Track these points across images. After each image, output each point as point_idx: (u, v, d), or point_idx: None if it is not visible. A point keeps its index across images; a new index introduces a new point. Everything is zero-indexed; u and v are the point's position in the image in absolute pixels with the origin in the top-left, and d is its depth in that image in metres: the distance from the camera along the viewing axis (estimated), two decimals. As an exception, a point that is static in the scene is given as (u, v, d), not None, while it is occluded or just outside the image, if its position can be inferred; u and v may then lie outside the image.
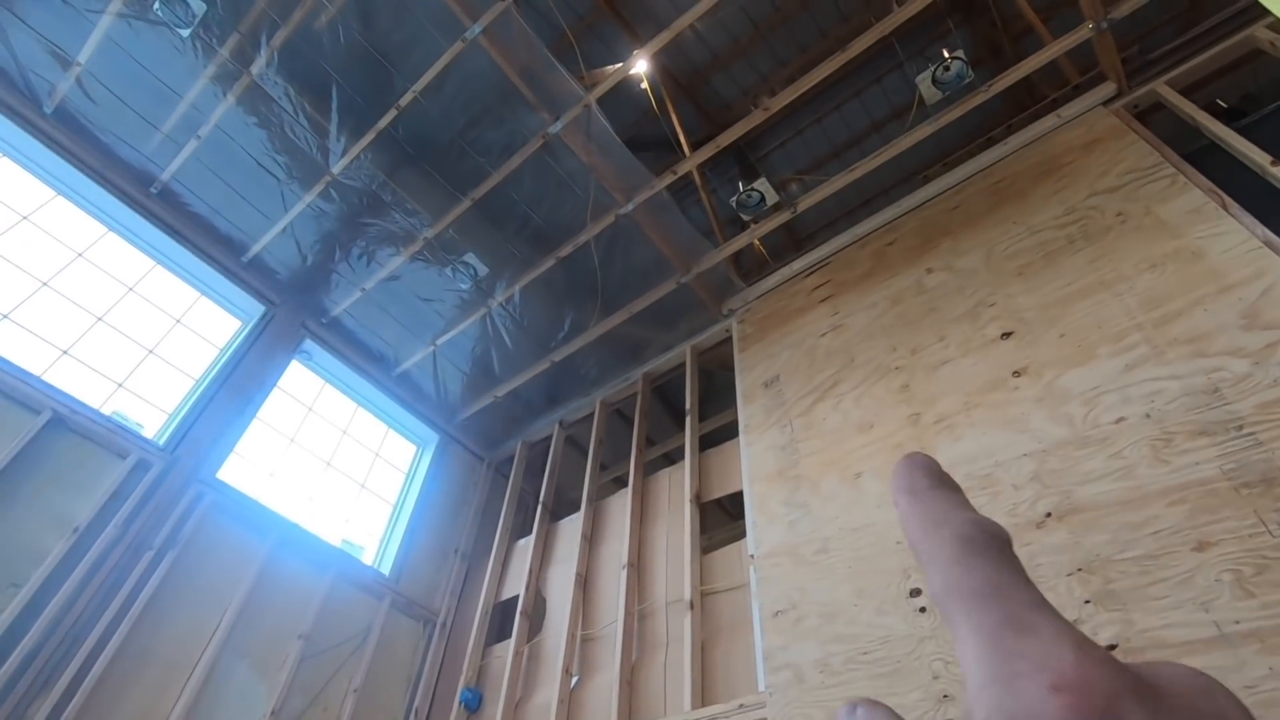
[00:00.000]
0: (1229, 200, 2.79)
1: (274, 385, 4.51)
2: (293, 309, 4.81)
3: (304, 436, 4.67)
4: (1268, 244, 2.53)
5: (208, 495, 3.83)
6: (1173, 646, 1.98)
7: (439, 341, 5.01)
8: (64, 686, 2.97)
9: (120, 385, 3.89)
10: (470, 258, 4.49)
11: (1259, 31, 3.30)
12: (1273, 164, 2.79)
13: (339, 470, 4.77)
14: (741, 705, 2.73)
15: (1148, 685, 0.18)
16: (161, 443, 3.80)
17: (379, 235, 4.52)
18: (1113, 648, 2.07)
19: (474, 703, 3.93)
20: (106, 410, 3.70)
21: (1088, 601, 2.19)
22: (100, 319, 3.94)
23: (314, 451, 4.68)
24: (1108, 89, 3.63)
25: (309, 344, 4.87)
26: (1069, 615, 2.19)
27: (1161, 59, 3.73)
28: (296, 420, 4.69)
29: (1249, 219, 2.66)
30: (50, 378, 3.56)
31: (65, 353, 3.73)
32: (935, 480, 0.24)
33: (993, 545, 0.22)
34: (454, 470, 5.43)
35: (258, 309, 4.67)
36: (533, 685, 3.78)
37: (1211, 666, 1.88)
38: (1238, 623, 1.90)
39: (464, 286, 4.64)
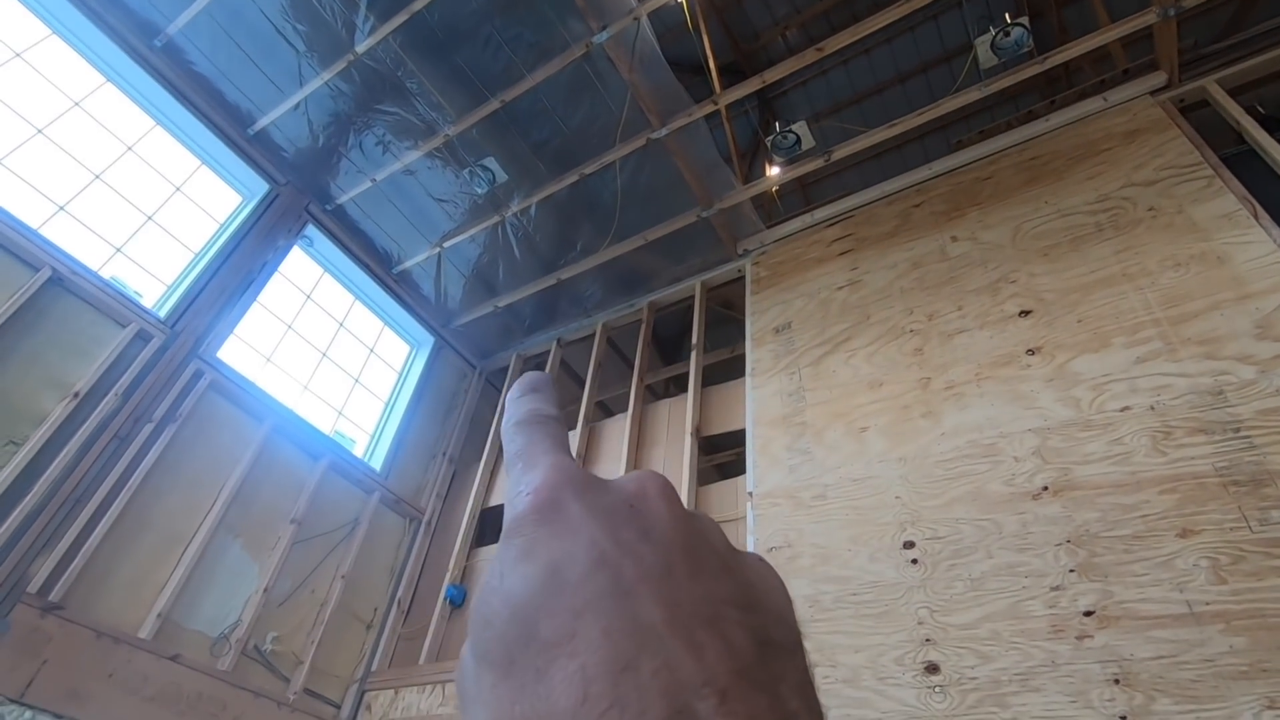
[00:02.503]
0: (1260, 210, 2.87)
1: (275, 269, 4.39)
2: (297, 191, 4.62)
3: (301, 325, 4.59)
4: (1291, 259, 2.64)
5: (207, 374, 3.77)
6: (1144, 618, 2.19)
7: (445, 244, 4.91)
8: (65, 548, 2.99)
9: (119, 250, 3.73)
10: (491, 162, 4.35)
11: (1317, 42, 3.31)
12: (1308, 180, 2.88)
13: (334, 362, 4.73)
14: (730, 628, 2.91)
15: (590, 481, 0.24)
16: (162, 315, 3.70)
17: (398, 125, 4.32)
18: (1089, 614, 2.27)
19: (459, 599, 4.10)
20: (105, 275, 3.57)
21: (1072, 570, 2.38)
22: (98, 176, 3.73)
23: (311, 341, 4.61)
24: (1157, 79, 3.62)
25: (311, 230, 4.71)
26: (1051, 580, 2.40)
27: (1213, 55, 3.72)
28: (294, 308, 4.59)
29: (1277, 231, 2.76)
30: (47, 234, 3.39)
31: (62, 208, 3.54)
32: (525, 390, 0.31)
33: (535, 420, 0.28)
34: (446, 375, 5.44)
35: (261, 186, 4.48)
36: (519, 589, 3.95)
37: (1178, 640, 2.10)
38: (1208, 604, 2.11)
39: (480, 191, 4.51)
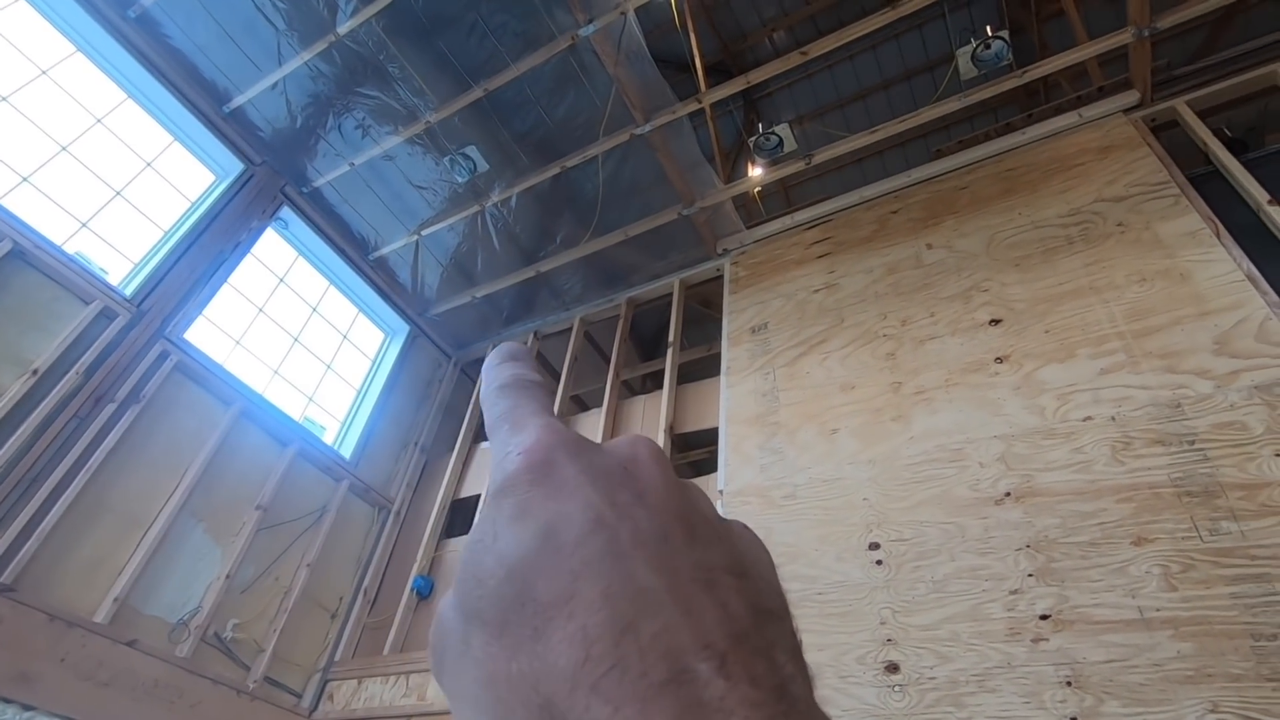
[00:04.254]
0: (1222, 229, 2.96)
1: (248, 250, 4.31)
2: (273, 172, 4.54)
3: (273, 308, 4.51)
4: (1250, 278, 2.73)
5: (174, 354, 3.69)
6: (1098, 623, 2.25)
7: (424, 232, 4.85)
8: (19, 529, 2.91)
9: (84, 225, 3.64)
10: (472, 151, 4.31)
11: (1282, 69, 3.41)
12: (1269, 202, 2.97)
13: (306, 348, 4.66)
14: (697, 624, 2.93)
15: (583, 443, 0.25)
16: (128, 293, 3.61)
17: (378, 110, 4.26)
18: (1045, 618, 2.33)
19: (426, 590, 4.08)
20: (69, 250, 3.47)
21: (1030, 575, 2.44)
22: (65, 148, 3.63)
23: (282, 325, 4.54)
24: (1130, 97, 3.71)
25: (286, 212, 4.63)
26: (1010, 584, 2.45)
27: (1185, 77, 3.82)
28: (266, 290, 4.51)
29: (1237, 251, 2.84)
30: (9, 205, 3.29)
31: (26, 179, 3.44)
32: (504, 358, 0.31)
33: (518, 384, 0.29)
34: (420, 364, 5.39)
35: (236, 166, 4.39)
36: (487, 581, 3.93)
37: (1129, 644, 2.16)
38: (1158, 610, 2.17)
39: (460, 180, 4.47)
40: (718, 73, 7.22)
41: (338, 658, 3.99)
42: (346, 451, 4.59)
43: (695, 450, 5.84)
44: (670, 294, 4.76)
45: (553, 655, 0.19)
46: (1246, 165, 3.20)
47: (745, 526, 0.26)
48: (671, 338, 4.46)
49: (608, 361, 4.68)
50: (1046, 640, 2.29)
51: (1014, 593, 2.43)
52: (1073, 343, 2.93)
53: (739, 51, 7.51)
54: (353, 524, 4.48)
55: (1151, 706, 2.06)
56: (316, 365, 4.74)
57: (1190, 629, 2.11)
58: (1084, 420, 2.68)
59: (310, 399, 4.63)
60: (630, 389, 6.17)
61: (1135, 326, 2.83)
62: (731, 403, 3.69)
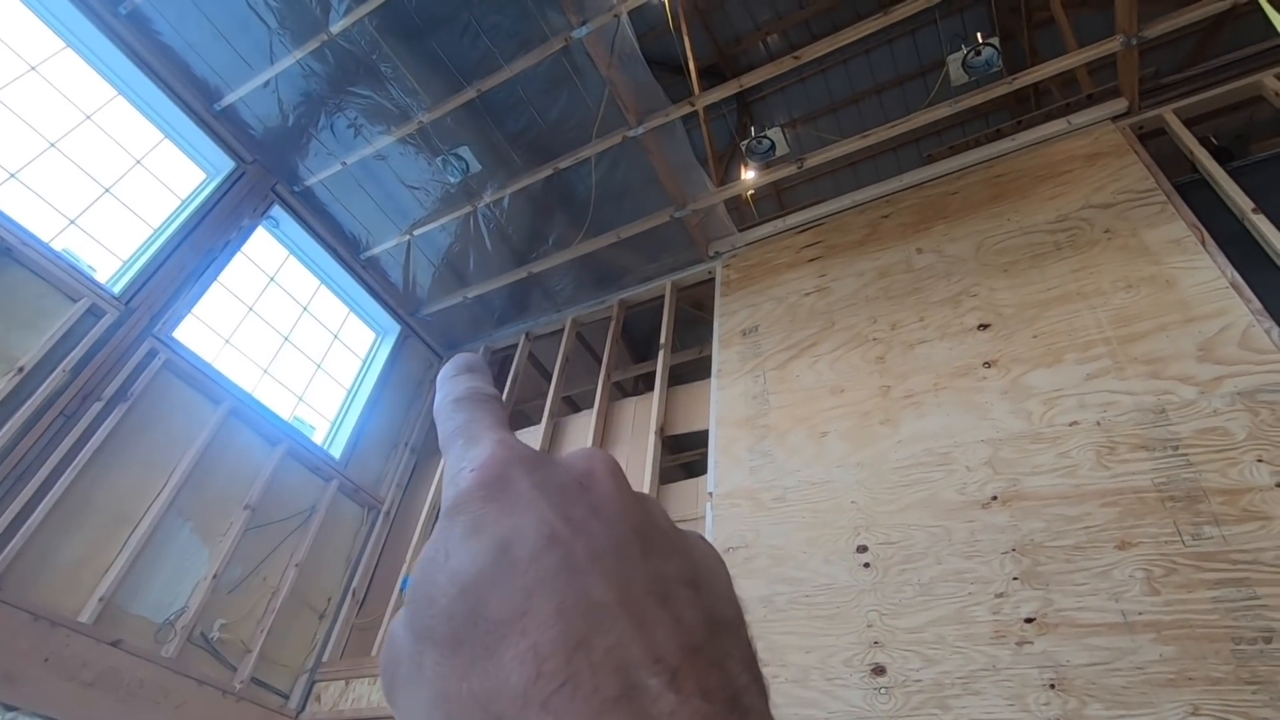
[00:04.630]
0: (1207, 237, 2.99)
1: (238, 249, 4.29)
2: (264, 170, 4.52)
3: (263, 307, 4.49)
4: (1234, 285, 2.76)
5: (162, 353, 3.67)
6: (1081, 626, 2.27)
7: (416, 232, 4.85)
8: (3, 527, 2.89)
9: (72, 222, 3.61)
10: (465, 151, 4.31)
11: (1268, 79, 3.45)
12: (1253, 211, 3.00)
13: (296, 347, 4.64)
14: (685, 626, 2.94)
15: (538, 458, 0.25)
16: (116, 291, 3.59)
17: (370, 109, 4.25)
18: (1030, 620, 2.34)
19: (415, 591, 4.06)
20: (57, 247, 3.45)
21: (1015, 578, 2.45)
22: (53, 144, 3.61)
23: (272, 324, 4.52)
24: (1119, 105, 3.74)
25: (277, 210, 4.62)
26: (996, 588, 2.47)
27: (1172, 85, 3.86)
28: (256, 289, 4.49)
29: (1222, 259, 2.87)
30: (-4, 202, 3.27)
31: (13, 175, 3.42)
32: (460, 369, 0.31)
33: (474, 399, 0.29)
34: (411, 364, 5.37)
35: (227, 164, 4.37)
36: (476, 582, 3.93)
37: (1112, 648, 2.18)
38: (1141, 614, 2.20)
39: (452, 180, 4.47)
40: (711, 76, 7.24)
41: (325, 658, 3.97)
42: (336, 451, 4.58)
43: (686, 452, 5.85)
44: (662, 296, 4.76)
45: (504, 673, 0.18)
46: (1232, 173, 3.23)
47: (701, 538, 0.25)
48: (663, 340, 4.47)
49: (600, 363, 4.68)
50: (1031, 643, 2.31)
51: (999, 596, 2.45)
52: (1059, 348, 2.95)
53: (733, 55, 7.53)
54: (342, 524, 4.47)
55: (1133, 709, 2.07)
56: (307, 365, 4.73)
57: (1172, 632, 2.13)
58: (1070, 425, 2.71)
59: (300, 398, 4.61)
60: (622, 390, 6.18)
61: (1121, 332, 2.86)
62: (722, 405, 3.70)
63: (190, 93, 4.18)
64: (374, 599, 4.25)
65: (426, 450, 5.08)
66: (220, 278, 4.17)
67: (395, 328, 5.34)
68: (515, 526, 0.22)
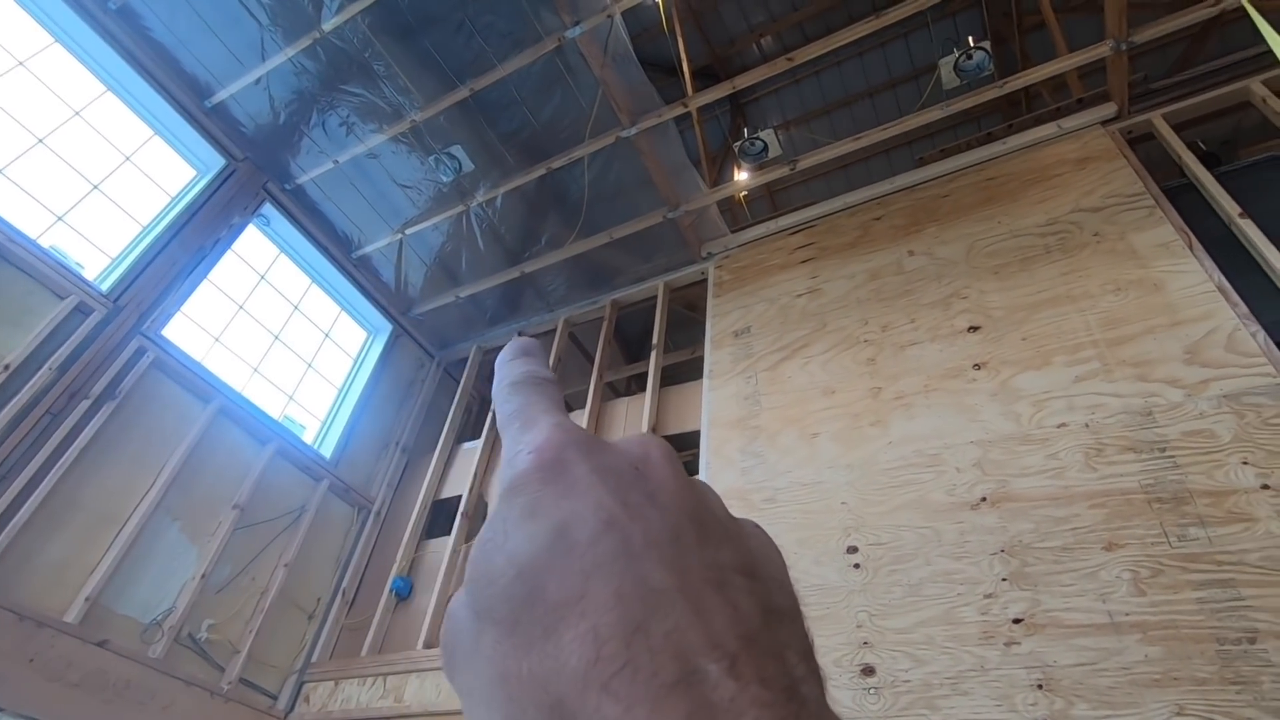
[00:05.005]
0: (1194, 241, 3.02)
1: (228, 247, 4.26)
2: (255, 168, 4.50)
3: (254, 306, 4.47)
4: (1220, 289, 2.79)
5: (151, 351, 3.65)
6: (1069, 626, 2.28)
7: (408, 231, 4.83)
8: (-12, 526, 2.86)
9: (60, 219, 3.58)
10: (457, 150, 4.30)
11: (1255, 85, 3.48)
12: (1240, 215, 3.03)
13: (287, 346, 4.62)
14: (675, 627, 2.94)
15: (594, 441, 0.25)
16: (105, 288, 3.56)
17: (363, 107, 4.24)
18: (1018, 621, 2.36)
19: (405, 591, 4.05)
20: (44, 243, 3.42)
21: (1004, 579, 2.47)
22: (41, 141, 3.58)
23: (263, 323, 4.49)
24: (1108, 109, 3.77)
25: (268, 209, 4.59)
26: (985, 588, 2.48)
27: (1161, 90, 3.89)
28: (247, 288, 4.47)
29: (1209, 263, 2.90)
30: (-17, 198, 3.24)
31: (0, 172, 3.38)
32: (517, 353, 0.31)
33: (530, 382, 0.29)
34: (403, 363, 5.36)
35: (217, 161, 4.34)
36: (467, 582, 3.92)
37: (1099, 648, 2.19)
38: (1127, 615, 2.21)
39: (445, 179, 4.46)
40: (705, 77, 7.25)
41: (314, 659, 3.95)
42: (327, 451, 4.56)
43: (681, 453, 5.86)
44: (655, 297, 4.77)
45: (564, 655, 0.19)
46: (1219, 178, 3.26)
47: (757, 526, 0.26)
48: (655, 340, 4.47)
49: (592, 363, 4.68)
50: (1019, 644, 2.32)
51: (988, 596, 2.46)
52: (1049, 350, 2.97)
53: (726, 56, 7.54)
54: (332, 524, 4.44)
55: (1119, 709, 2.09)
56: (297, 364, 4.70)
57: (1158, 633, 2.15)
58: (1059, 427, 2.73)
59: (290, 397, 4.59)
60: (615, 390, 6.18)
61: (1109, 335, 2.88)
62: (714, 406, 3.70)
63: (180, 89, 4.15)
64: (364, 599, 4.23)
65: (418, 450, 5.06)
66: (210, 276, 4.14)
67: (387, 327, 5.32)
68: (572, 510, 0.22)
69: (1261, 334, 2.61)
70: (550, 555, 0.21)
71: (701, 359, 4.06)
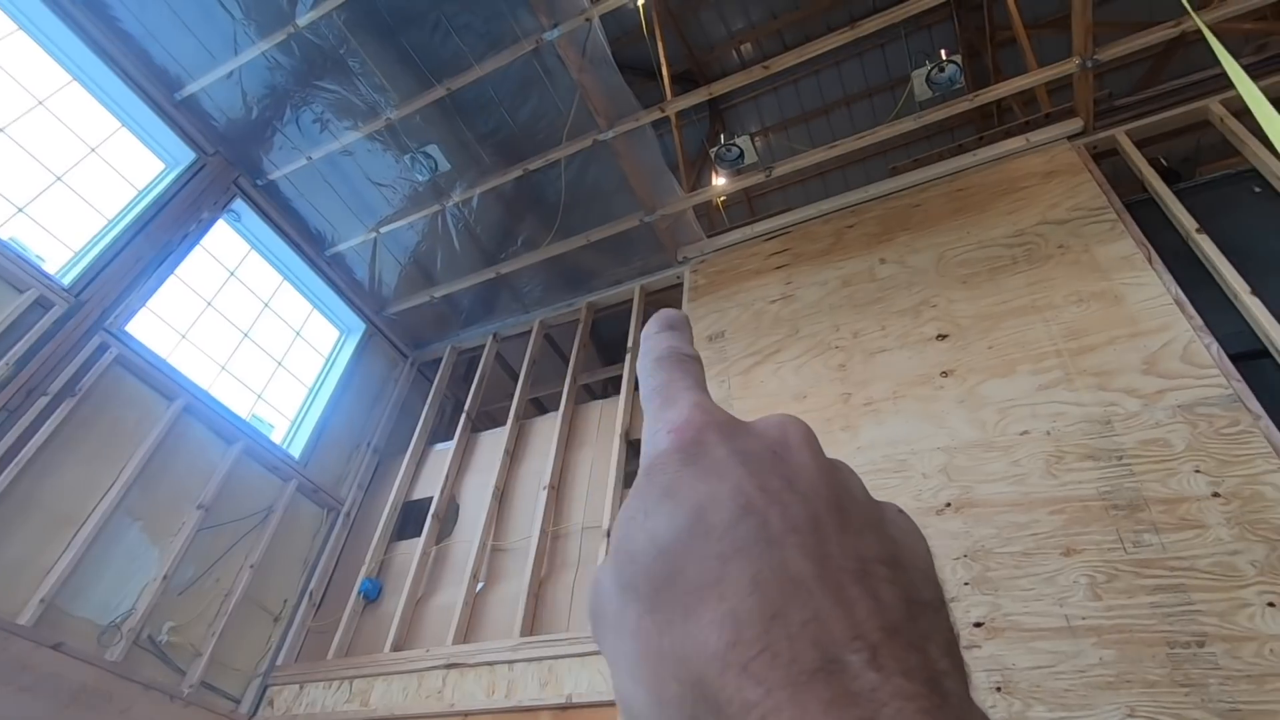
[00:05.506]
0: (1154, 254, 3.10)
1: (197, 242, 4.19)
2: (226, 163, 4.43)
3: (222, 302, 4.39)
4: (1177, 302, 2.87)
5: (114, 347, 3.57)
6: (1027, 630, 2.33)
7: (382, 229, 4.79)
8: (-62, 525, 2.78)
9: (20, 210, 3.50)
10: (433, 150, 4.27)
11: (1214, 105, 3.59)
12: (1197, 231, 3.12)
13: (256, 344, 4.55)
14: (644, 630, 2.95)
15: (733, 423, 0.25)
16: (66, 282, 3.48)
17: (337, 104, 4.19)
18: (979, 625, 2.40)
19: (374, 593, 4.01)
20: (3, 235, 3.33)
21: (966, 583, 2.51)
22: (2, 130, 3.49)
23: (232, 320, 4.42)
24: (1074, 124, 3.86)
25: (239, 204, 4.52)
26: (948, 593, 2.51)
27: (1126, 108, 3.99)
28: (216, 284, 4.39)
29: (1167, 276, 2.98)
30: (-61, 187, 3.15)
31: (-42, 162, 3.29)
32: (663, 326, 0.32)
33: (674, 358, 0.29)
34: (376, 363, 5.30)
35: (187, 155, 4.27)
36: (437, 585, 3.89)
37: (1055, 651, 2.24)
38: (1084, 619, 2.26)
39: (421, 178, 4.43)
40: (686, 82, 7.29)
41: (279, 661, 3.89)
42: (296, 450, 4.49)
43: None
44: (631, 300, 4.78)
45: (703, 635, 0.19)
46: (1179, 194, 3.35)
47: (899, 511, 0.25)
48: (630, 344, 4.47)
49: (568, 365, 4.67)
50: (979, 647, 2.36)
51: (950, 601, 2.49)
52: (1014, 359, 3.03)
53: (706, 62, 7.59)
54: (300, 525, 4.38)
55: (1074, 711, 2.14)
56: (267, 362, 4.63)
57: (1112, 637, 2.20)
58: (1022, 434, 2.78)
59: (259, 396, 4.52)
60: (591, 393, 6.17)
61: (1072, 345, 2.95)
62: (686, 410, 3.71)
63: (149, 81, 4.08)
64: (331, 601, 4.18)
65: (390, 451, 5.01)
66: (178, 271, 4.07)
67: (360, 326, 5.26)
68: (710, 493, 0.22)
69: (1215, 346, 2.70)
70: (689, 537, 0.21)
71: (676, 363, 4.06)
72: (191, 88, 4.13)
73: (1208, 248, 3.03)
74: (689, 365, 0.29)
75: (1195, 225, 3.15)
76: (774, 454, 0.24)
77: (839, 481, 0.24)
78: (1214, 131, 3.71)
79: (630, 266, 4.81)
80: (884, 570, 0.21)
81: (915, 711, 0.17)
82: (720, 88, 4.03)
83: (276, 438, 4.48)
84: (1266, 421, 2.45)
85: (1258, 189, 3.29)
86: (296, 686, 3.74)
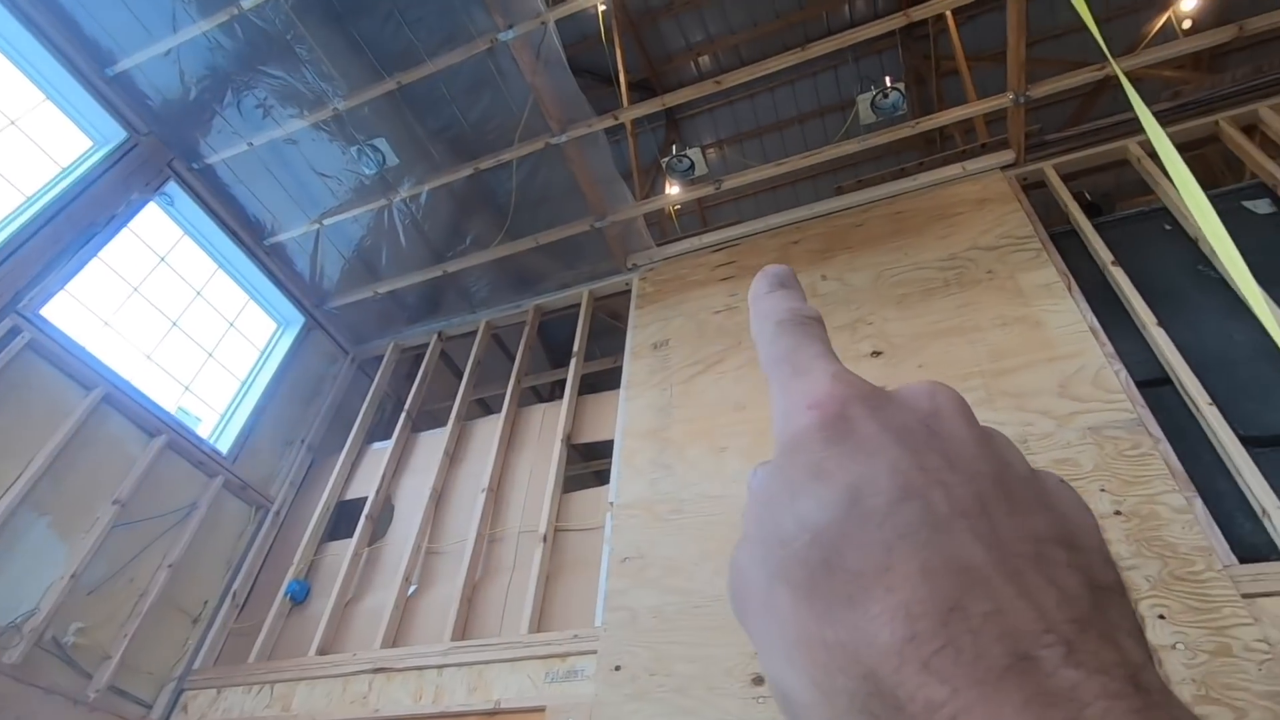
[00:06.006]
0: (1073, 283, 3.29)
1: (124, 225, 4.01)
2: (160, 144, 4.25)
3: (150, 289, 4.21)
4: (1092, 330, 3.04)
5: (26, 332, 3.38)
6: (942, 639, 2.43)
7: (326, 221, 4.67)
8: None
9: (-72, 183, 3.28)
10: (382, 143, 4.20)
11: (1132, 145, 3.82)
12: (1112, 263, 3.32)
13: (185, 333, 4.37)
14: (576, 635, 2.96)
15: (879, 395, 0.24)
16: (-24, 262, 3.29)
17: (282, 91, 4.07)
18: (898, 633, 2.49)
19: (301, 595, 3.89)
20: (-93, 209, 3.13)
21: (887, 593, 2.60)
22: (-90, 96, 3.27)
23: (160, 308, 4.24)
24: (1007, 156, 4.05)
25: (173, 187, 4.34)
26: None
27: (1055, 142, 4.21)
28: (144, 269, 4.21)
29: (1084, 305, 3.16)
30: None
31: None
32: (774, 285, 0.30)
33: (799, 323, 0.28)
34: (314, 358, 5.16)
35: (118, 133, 4.08)
36: (367, 587, 3.81)
37: (966, 658, 2.34)
38: (993, 628, 2.37)
39: (368, 171, 4.34)
40: (642, 89, 7.34)
41: (197, 665, 3.74)
42: (224, 446, 4.33)
43: (596, 461, 5.86)
44: (579, 304, 4.78)
45: (871, 627, 0.18)
46: (1098, 228, 3.56)
47: (1061, 481, 0.23)
48: (576, 348, 4.48)
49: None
50: (897, 655, 2.44)
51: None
52: (942, 377, 3.14)
53: (664, 72, 7.66)
54: (226, 523, 4.22)
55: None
56: (197, 353, 4.46)
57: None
58: (945, 450, 2.90)
59: (187, 388, 4.34)
60: (539, 395, 6.14)
61: (995, 366, 3.09)
62: (628, 416, 3.74)
63: (79, 54, 3.88)
64: (256, 603, 4.04)
65: (325, 449, 4.88)
66: (102, 254, 3.88)
67: (299, 319, 5.11)
68: (863, 474, 0.21)
69: (1124, 372, 2.87)
70: (846, 523, 0.20)
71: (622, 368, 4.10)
72: (125, 64, 3.95)
73: (1121, 280, 3.22)
74: (813, 328, 0.27)
75: (1111, 258, 3.35)
76: (927, 427, 0.22)
77: (999, 455, 0.22)
78: (1133, 169, 3.95)
79: (579, 271, 4.81)
80: (1061, 553, 0.19)
81: (1125, 712, 0.16)
82: (674, 99, 4.09)
83: (204, 432, 4.31)
84: (1165, 445, 2.62)
85: (1168, 226, 3.51)
86: (214, 691, 3.60)
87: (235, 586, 4.05)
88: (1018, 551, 0.19)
